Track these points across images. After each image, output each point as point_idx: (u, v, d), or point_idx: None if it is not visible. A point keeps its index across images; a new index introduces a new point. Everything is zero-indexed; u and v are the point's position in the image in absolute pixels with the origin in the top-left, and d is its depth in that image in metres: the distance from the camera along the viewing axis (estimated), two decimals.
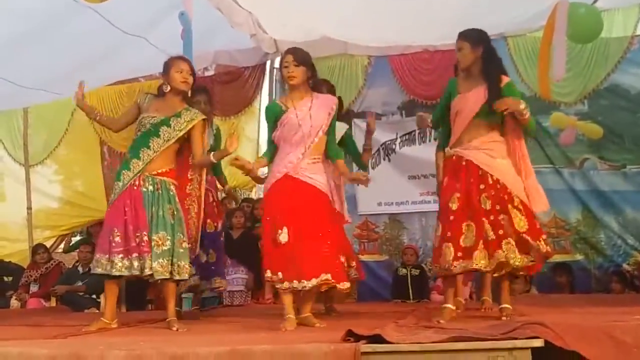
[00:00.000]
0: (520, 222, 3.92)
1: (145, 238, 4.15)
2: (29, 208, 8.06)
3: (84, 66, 6.35)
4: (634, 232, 6.34)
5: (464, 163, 4.05)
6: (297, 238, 4.03)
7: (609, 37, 6.26)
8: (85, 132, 7.92)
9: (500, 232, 3.89)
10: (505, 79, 4.09)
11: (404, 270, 6.69)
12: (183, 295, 5.42)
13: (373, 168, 6.82)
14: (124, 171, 4.29)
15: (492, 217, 3.92)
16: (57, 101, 7.55)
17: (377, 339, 2.91)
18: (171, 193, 4.31)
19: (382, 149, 7.02)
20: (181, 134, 4.32)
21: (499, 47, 6.60)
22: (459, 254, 3.90)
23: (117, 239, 4.13)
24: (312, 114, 4.20)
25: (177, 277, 4.23)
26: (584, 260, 6.49)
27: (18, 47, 5.79)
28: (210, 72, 7.76)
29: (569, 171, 6.54)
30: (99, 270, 4.16)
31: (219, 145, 5.18)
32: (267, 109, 4.44)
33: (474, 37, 4.12)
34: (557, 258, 6.52)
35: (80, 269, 7.29)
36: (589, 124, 6.38)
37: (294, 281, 3.98)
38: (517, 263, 3.89)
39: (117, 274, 4.12)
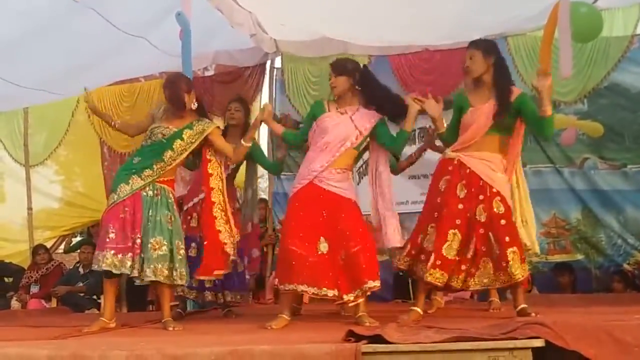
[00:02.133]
0: (521, 236, 4.00)
1: (139, 241, 4.23)
2: (30, 208, 8.05)
3: (84, 66, 6.36)
4: (634, 232, 6.32)
5: (467, 171, 4.05)
6: (327, 249, 4.11)
7: (609, 36, 6.24)
8: (86, 133, 7.92)
9: (483, 248, 3.94)
10: (516, 92, 4.09)
11: None
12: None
13: None
14: (133, 176, 4.34)
15: (481, 230, 3.96)
16: (57, 101, 7.56)
17: (378, 339, 2.91)
18: (169, 200, 4.40)
19: None
20: (194, 146, 4.40)
21: (499, 46, 6.65)
22: (438, 262, 3.96)
23: (112, 235, 4.21)
24: (345, 124, 4.26)
25: (178, 282, 4.32)
26: (584, 260, 6.47)
27: (18, 47, 5.78)
28: (210, 72, 7.75)
29: (569, 170, 6.52)
30: (94, 267, 4.28)
31: None
32: (314, 104, 4.54)
33: (486, 46, 4.14)
34: (558, 258, 6.53)
35: (81, 269, 7.31)
36: (590, 122, 6.37)
37: (325, 289, 4.05)
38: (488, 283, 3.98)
39: (106, 268, 4.18)
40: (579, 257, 6.48)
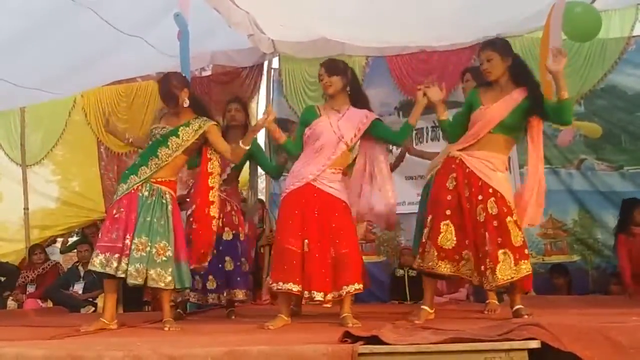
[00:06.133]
0: (517, 237, 3.93)
1: (128, 242, 4.19)
2: (26, 208, 8.03)
3: (81, 66, 6.35)
4: None
5: (467, 170, 4.06)
6: (318, 248, 4.10)
7: (606, 38, 6.27)
8: (83, 133, 7.92)
9: (487, 248, 3.90)
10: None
11: (401, 272, 6.70)
12: None
13: None
14: (131, 176, 4.34)
15: (482, 230, 3.94)
16: (54, 101, 7.55)
17: (374, 340, 2.91)
18: (164, 201, 4.33)
19: None
20: (189, 143, 4.37)
21: None
22: (442, 254, 3.97)
23: (100, 234, 4.33)
24: (340, 125, 4.29)
25: (152, 285, 4.22)
26: (581, 261, 6.49)
27: (15, 46, 5.77)
28: (208, 73, 7.76)
29: (566, 171, 6.54)
30: (89, 267, 4.39)
31: None
32: (304, 110, 4.62)
33: (503, 47, 4.12)
34: (555, 259, 6.54)
35: (80, 268, 7.29)
36: (588, 123, 6.39)
37: (314, 292, 4.04)
38: (498, 281, 3.89)
39: (92, 267, 4.26)
40: (576, 258, 6.50)
